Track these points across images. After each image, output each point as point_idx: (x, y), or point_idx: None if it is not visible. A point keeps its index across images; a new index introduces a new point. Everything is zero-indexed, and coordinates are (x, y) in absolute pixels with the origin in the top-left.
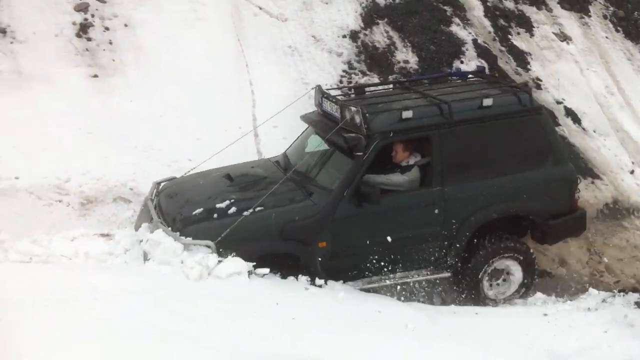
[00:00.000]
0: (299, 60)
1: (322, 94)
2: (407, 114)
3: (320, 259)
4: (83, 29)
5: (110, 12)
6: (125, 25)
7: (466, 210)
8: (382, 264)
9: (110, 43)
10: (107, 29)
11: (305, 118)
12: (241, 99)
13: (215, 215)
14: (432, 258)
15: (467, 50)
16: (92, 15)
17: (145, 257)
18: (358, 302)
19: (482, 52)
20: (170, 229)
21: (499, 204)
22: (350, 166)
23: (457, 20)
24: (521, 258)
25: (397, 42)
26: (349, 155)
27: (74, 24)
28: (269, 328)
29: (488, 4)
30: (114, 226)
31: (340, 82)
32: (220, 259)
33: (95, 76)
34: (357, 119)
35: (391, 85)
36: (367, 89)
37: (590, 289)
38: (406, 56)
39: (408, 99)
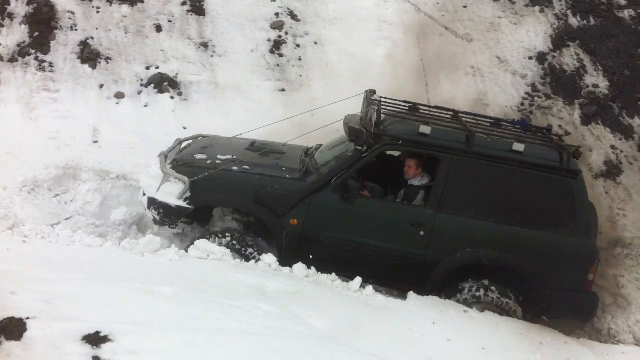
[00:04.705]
0: (480, 81)
1: (365, 97)
2: (424, 129)
3: (287, 234)
4: (276, 46)
5: (303, 31)
6: (315, 43)
7: (455, 243)
8: (352, 266)
9: (300, 60)
10: (298, 46)
11: (346, 117)
12: None
13: (209, 162)
14: (407, 279)
15: None
16: (286, 33)
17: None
18: (520, 330)
19: None
20: (168, 161)
21: (492, 250)
22: (347, 157)
23: None
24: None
25: (587, 66)
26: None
27: (268, 40)
28: None
29: None
30: None
31: (522, 104)
32: None
33: (283, 90)
34: (373, 117)
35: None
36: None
37: None
38: (596, 80)
39: (444, 123)
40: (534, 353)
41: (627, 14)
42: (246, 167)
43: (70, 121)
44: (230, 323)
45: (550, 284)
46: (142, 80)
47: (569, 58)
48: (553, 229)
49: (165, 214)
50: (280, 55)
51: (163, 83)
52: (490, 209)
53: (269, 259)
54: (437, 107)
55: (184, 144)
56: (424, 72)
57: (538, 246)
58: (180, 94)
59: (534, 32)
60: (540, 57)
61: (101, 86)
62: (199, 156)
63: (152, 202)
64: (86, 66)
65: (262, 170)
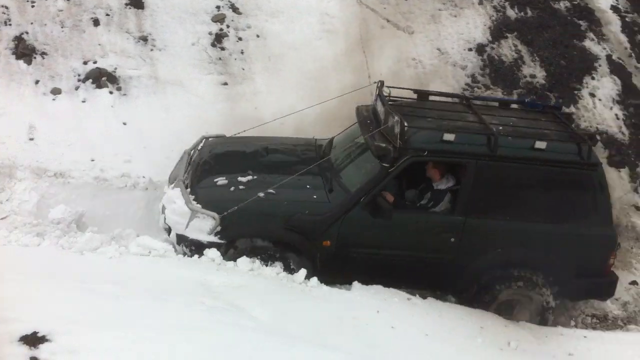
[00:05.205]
0: (421, 73)
1: (377, 92)
2: (448, 137)
3: (320, 256)
4: (218, 39)
5: (245, 24)
6: (258, 36)
7: (485, 246)
8: (386, 277)
9: (242, 53)
10: (240, 39)
11: (357, 110)
12: None
13: (232, 188)
14: (440, 284)
15: (599, 66)
16: (228, 26)
17: (163, 210)
18: (461, 315)
19: (616, 68)
20: (189, 190)
21: (521, 249)
22: (374, 174)
23: (591, 35)
24: (532, 294)
25: (525, 57)
26: (378, 162)
27: (210, 33)
28: None
29: (627, 19)
30: None
31: None
32: None
33: (225, 84)
34: (396, 129)
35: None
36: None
37: None
38: (533, 71)
39: (461, 119)
40: (475, 337)
41: (562, 5)
42: (271, 191)
43: (5, 118)
44: (173, 319)
45: (577, 272)
46: (79, 75)
47: (507, 49)
48: (577, 221)
49: (197, 250)
50: (222, 49)
51: (101, 78)
52: (517, 209)
53: (213, 253)
54: (443, 94)
55: (192, 153)
56: (366, 65)
57: (565, 240)
58: (119, 88)
59: (473, 24)
60: (480, 49)
61: (37, 82)
62: (220, 181)
63: (182, 239)
64: (21, 62)
65: (288, 194)
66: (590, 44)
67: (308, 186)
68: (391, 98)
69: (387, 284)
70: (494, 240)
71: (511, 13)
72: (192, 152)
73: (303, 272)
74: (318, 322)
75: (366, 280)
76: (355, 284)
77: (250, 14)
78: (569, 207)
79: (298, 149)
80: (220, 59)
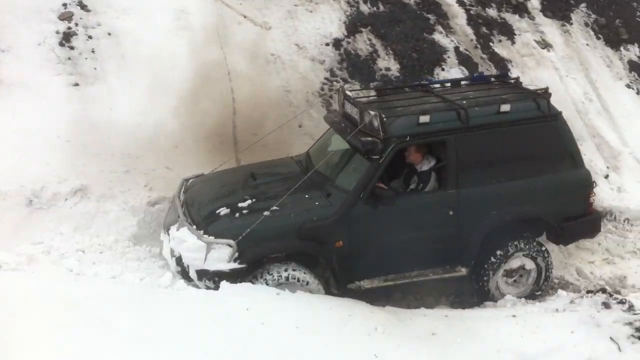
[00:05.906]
0: (281, 68)
1: (344, 96)
2: (424, 119)
3: (336, 259)
4: (66, 38)
5: (94, 21)
6: (109, 34)
7: (481, 212)
8: (399, 262)
9: (93, 52)
10: (90, 37)
11: (327, 118)
12: (222, 107)
13: (237, 215)
14: (448, 257)
15: (448, 57)
16: (76, 24)
17: (172, 254)
18: (330, 305)
19: (464, 59)
20: (195, 227)
21: (512, 207)
22: (366, 169)
23: (439, 28)
24: (535, 257)
25: (379, 50)
26: (366, 158)
27: (57, 32)
28: None
29: (471, 12)
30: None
31: (322, 89)
32: None
33: (76, 84)
34: (375, 122)
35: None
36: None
37: (560, 291)
38: (388, 64)
39: (427, 102)
40: (344, 325)
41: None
42: (275, 208)
43: None
44: (30, 338)
45: (565, 217)
46: None
47: (362, 43)
48: (555, 169)
49: (221, 280)
50: (71, 48)
51: None
52: (500, 171)
53: (70, 263)
54: (400, 87)
55: (181, 197)
56: (225, 61)
57: (548, 189)
58: None
59: (329, 19)
60: (336, 43)
61: None
62: (223, 212)
63: (203, 274)
64: None
65: (291, 207)
66: (439, 37)
67: (307, 196)
68: (355, 98)
69: (400, 270)
70: (486, 204)
71: (364, 8)
72: (179, 195)
73: (168, 275)
74: (188, 324)
75: (381, 272)
76: (223, 283)
77: (99, 12)
78: (544, 158)
79: (281, 169)
80: (69, 58)
